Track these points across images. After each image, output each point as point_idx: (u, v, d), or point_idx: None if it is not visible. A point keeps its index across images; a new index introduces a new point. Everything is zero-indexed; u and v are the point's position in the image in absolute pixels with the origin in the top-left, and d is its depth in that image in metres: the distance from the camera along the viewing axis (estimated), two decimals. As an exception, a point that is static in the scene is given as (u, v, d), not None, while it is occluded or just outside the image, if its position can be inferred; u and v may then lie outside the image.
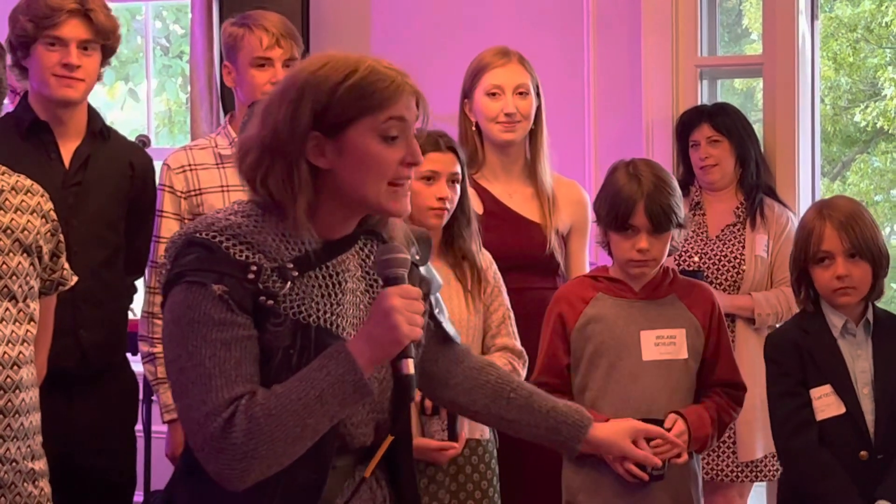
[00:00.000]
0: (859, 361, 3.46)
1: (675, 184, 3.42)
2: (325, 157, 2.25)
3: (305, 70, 2.26)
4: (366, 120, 2.24)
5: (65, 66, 3.62)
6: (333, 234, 2.30)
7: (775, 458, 4.57)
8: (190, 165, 3.80)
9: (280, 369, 2.19)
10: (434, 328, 2.53)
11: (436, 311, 2.52)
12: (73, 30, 3.64)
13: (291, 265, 2.23)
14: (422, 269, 2.48)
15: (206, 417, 2.14)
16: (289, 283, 2.22)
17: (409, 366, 2.18)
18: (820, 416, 3.43)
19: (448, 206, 3.45)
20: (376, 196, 2.26)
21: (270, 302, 2.20)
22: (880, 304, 3.58)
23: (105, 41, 3.71)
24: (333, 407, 2.15)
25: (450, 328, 2.58)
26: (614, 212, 3.34)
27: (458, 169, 3.47)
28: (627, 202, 3.32)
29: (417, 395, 2.47)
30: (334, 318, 2.27)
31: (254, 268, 2.20)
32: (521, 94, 3.86)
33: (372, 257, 2.36)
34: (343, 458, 2.33)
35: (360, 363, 2.15)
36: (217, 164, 3.81)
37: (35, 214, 3.05)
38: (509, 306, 3.55)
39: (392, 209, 2.29)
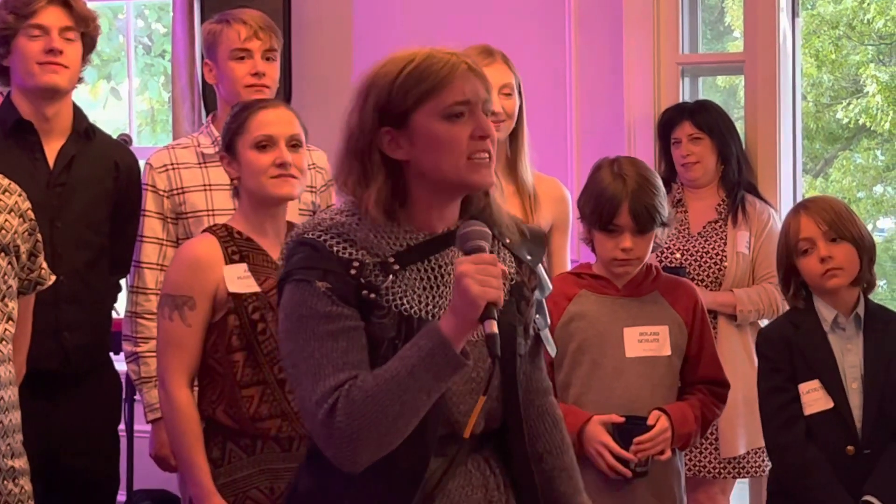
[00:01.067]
0: (849, 356, 3.48)
1: (660, 183, 3.42)
2: (401, 149, 2.33)
3: (370, 71, 2.36)
4: (427, 105, 2.31)
5: (49, 52, 3.64)
6: (436, 228, 2.37)
7: (757, 454, 4.58)
8: (172, 164, 3.80)
9: (386, 359, 2.26)
10: (535, 332, 2.52)
11: (536, 315, 2.51)
12: (54, 17, 3.66)
13: (392, 259, 2.32)
14: (534, 267, 2.50)
15: (315, 405, 2.23)
16: (390, 276, 2.31)
17: (492, 326, 2.17)
18: (808, 411, 3.45)
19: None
20: (456, 172, 2.32)
21: (373, 295, 2.29)
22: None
23: (85, 29, 3.73)
24: (426, 381, 2.19)
25: (547, 338, 2.56)
26: (599, 211, 3.35)
27: None
28: (612, 202, 3.33)
29: None
30: (437, 310, 2.33)
31: (356, 263, 2.29)
32: (506, 94, 3.86)
33: None
34: (452, 445, 2.36)
35: (448, 335, 2.18)
36: (199, 164, 3.81)
37: (13, 214, 3.04)
38: None
39: (474, 182, 2.33)
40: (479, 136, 2.31)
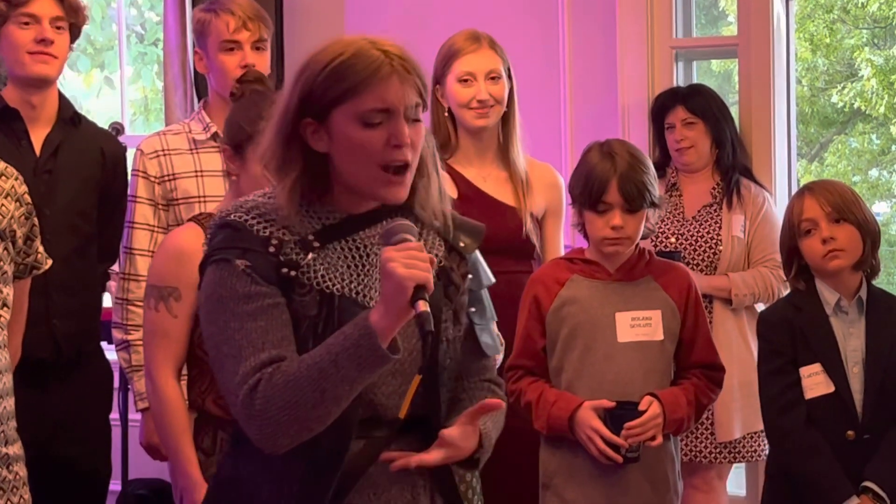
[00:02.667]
0: (851, 340, 3.47)
1: (649, 163, 3.42)
2: (322, 142, 2.31)
3: (309, 54, 2.32)
4: (346, 105, 2.28)
5: (40, 42, 3.64)
6: (356, 209, 2.35)
7: (753, 439, 4.58)
8: (164, 150, 3.79)
9: (306, 338, 2.26)
10: (468, 326, 2.48)
11: (472, 309, 2.48)
12: (45, 7, 3.67)
13: (312, 237, 2.31)
14: (469, 254, 2.49)
15: (236, 387, 2.22)
16: (311, 254, 2.29)
17: (422, 305, 2.16)
18: (809, 395, 3.44)
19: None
20: (368, 183, 2.30)
21: (293, 273, 2.28)
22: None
23: (74, 19, 3.72)
24: (350, 371, 2.17)
25: (485, 338, 2.53)
26: (588, 189, 3.35)
27: None
28: (601, 179, 3.33)
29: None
30: (361, 287, 2.32)
31: (275, 241, 2.28)
32: (493, 79, 3.84)
33: None
34: (378, 430, 2.34)
35: (376, 326, 2.16)
36: (191, 150, 3.80)
37: (9, 198, 3.03)
38: None
39: (384, 197, 2.31)
40: (394, 145, 2.27)
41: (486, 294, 2.53)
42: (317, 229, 2.32)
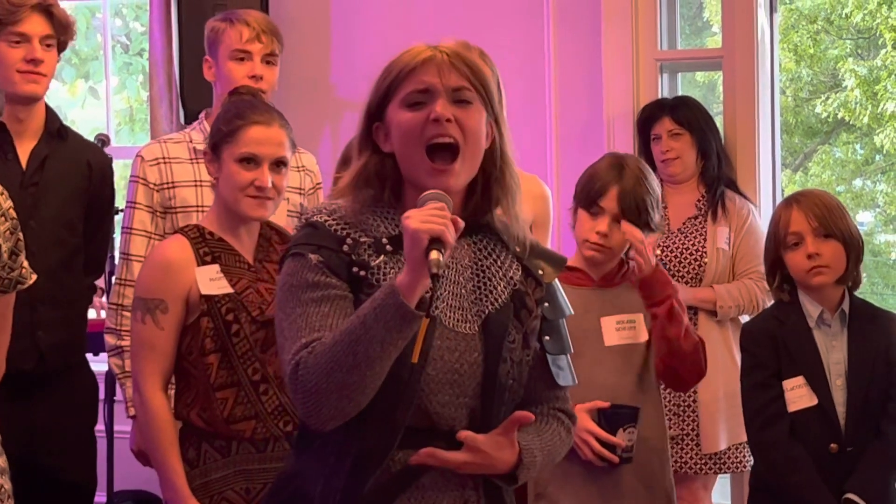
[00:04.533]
0: (833, 353, 3.48)
1: (657, 186, 3.45)
2: (387, 141, 2.40)
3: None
4: (395, 97, 2.37)
5: (30, 62, 3.63)
6: None
7: (739, 450, 4.59)
8: (164, 158, 3.79)
9: None
10: (540, 354, 2.50)
11: (546, 338, 2.50)
12: (36, 25, 3.66)
13: (386, 241, 2.36)
14: (547, 284, 2.50)
15: (287, 364, 2.28)
16: (381, 256, 2.35)
17: (433, 254, 2.18)
18: (791, 408, 3.45)
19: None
20: (418, 171, 2.35)
21: (363, 272, 2.34)
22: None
23: (63, 36, 3.73)
24: (377, 331, 2.19)
25: (557, 367, 2.53)
26: (588, 189, 3.39)
27: None
28: (603, 183, 3.38)
29: None
30: (428, 295, 2.30)
31: (349, 241, 2.35)
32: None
33: (486, 252, 2.44)
34: (434, 441, 2.35)
35: (399, 284, 2.19)
36: (191, 159, 3.80)
37: (-6, 213, 3.02)
38: None
39: (431, 184, 2.32)
40: (433, 119, 2.32)
41: (564, 325, 2.55)
42: (393, 234, 2.36)
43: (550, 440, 2.50)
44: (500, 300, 2.41)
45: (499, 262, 2.44)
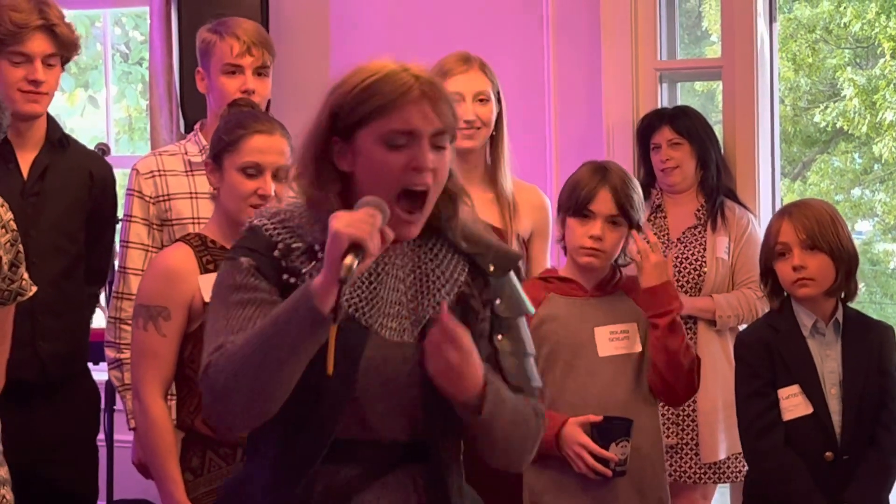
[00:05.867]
0: (828, 362, 3.48)
1: (639, 187, 3.47)
2: (347, 161, 2.31)
3: (343, 74, 2.34)
4: (373, 125, 2.28)
5: (31, 83, 3.61)
6: None
7: (738, 460, 4.58)
8: (159, 171, 3.78)
9: None
10: (492, 354, 2.41)
11: (499, 336, 2.42)
12: (39, 45, 3.64)
13: (318, 247, 2.28)
14: (496, 281, 2.43)
15: (202, 366, 2.23)
16: (313, 262, 2.28)
17: (347, 259, 2.11)
18: (787, 417, 3.45)
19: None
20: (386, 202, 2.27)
21: (293, 280, 2.28)
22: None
23: (67, 53, 3.71)
24: (289, 332, 2.14)
25: (510, 366, 2.42)
26: (576, 196, 3.39)
27: None
28: (591, 187, 3.38)
29: None
30: (361, 304, 2.30)
31: (281, 246, 2.30)
32: (481, 101, 3.85)
33: (431, 255, 2.39)
34: (373, 451, 2.32)
35: (314, 287, 2.13)
36: (186, 171, 3.79)
37: (-6, 225, 3.03)
38: None
39: (396, 233, 2.26)
40: (414, 167, 2.26)
41: (522, 324, 2.47)
42: (325, 240, 2.27)
43: (516, 399, 2.37)
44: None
45: (443, 265, 2.38)
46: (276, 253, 2.30)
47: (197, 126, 3.94)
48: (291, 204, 2.37)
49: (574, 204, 3.39)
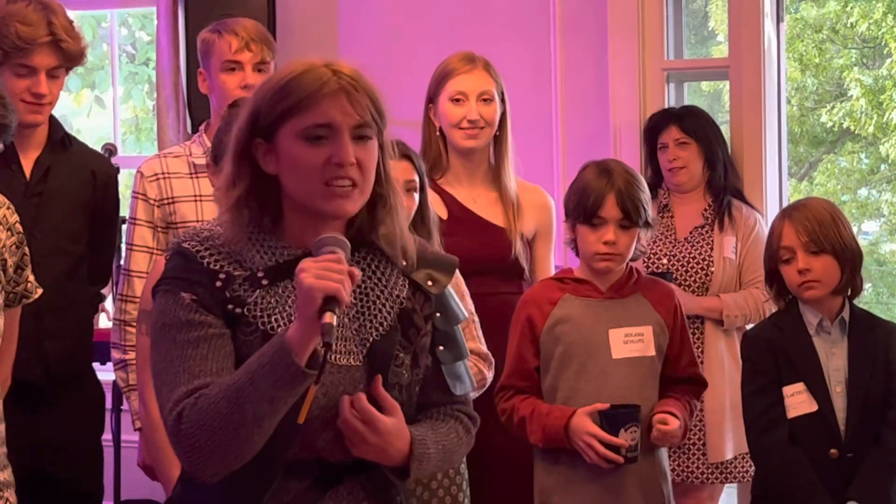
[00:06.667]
0: (833, 359, 3.48)
1: (644, 183, 3.47)
2: (272, 163, 2.27)
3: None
4: (291, 122, 2.23)
5: (33, 95, 3.61)
6: (309, 243, 2.25)
7: (745, 460, 4.58)
8: (163, 173, 3.77)
9: None
10: (433, 366, 2.41)
11: (440, 348, 2.41)
12: (44, 59, 3.63)
13: (262, 274, 2.24)
14: (437, 293, 2.40)
15: (168, 413, 2.17)
16: (258, 291, 2.23)
17: (328, 317, 2.08)
18: (791, 414, 3.45)
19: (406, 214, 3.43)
20: (312, 197, 2.24)
21: (238, 310, 2.22)
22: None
23: (71, 65, 3.70)
24: (266, 389, 2.10)
25: (454, 377, 2.43)
26: (584, 203, 3.38)
27: (415, 177, 3.43)
28: (597, 194, 3.36)
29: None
30: (318, 351, 2.19)
31: (222, 276, 2.23)
32: (485, 100, 3.85)
33: (370, 272, 2.34)
34: (324, 470, 2.29)
35: (290, 341, 2.10)
36: (190, 174, 3.78)
37: (0, 227, 3.02)
38: (473, 310, 3.54)
39: (328, 209, 2.25)
40: (336, 163, 2.21)
41: (458, 332, 2.45)
42: (268, 265, 2.25)
43: (446, 436, 2.39)
44: (384, 324, 2.31)
45: (383, 282, 2.34)
46: (217, 283, 2.23)
47: (202, 128, 3.94)
48: (222, 223, 2.29)
49: (583, 212, 3.38)
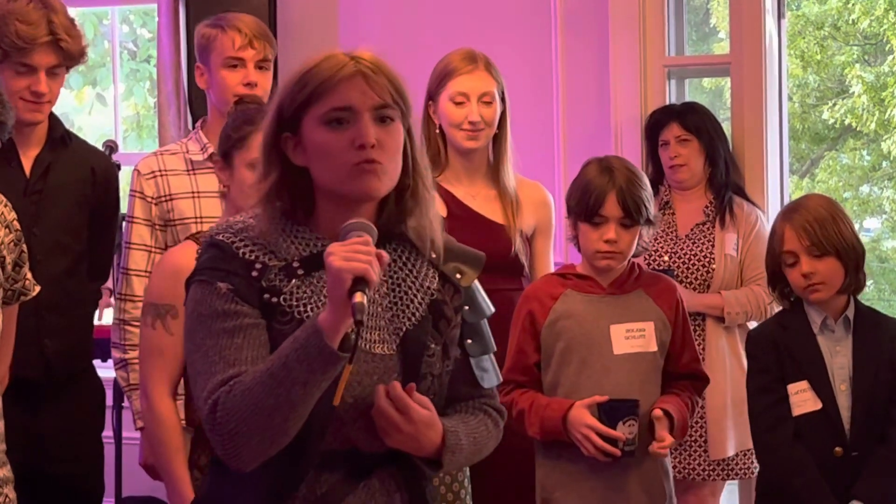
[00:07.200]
0: (838, 357, 3.48)
1: (646, 180, 3.46)
2: (300, 155, 2.29)
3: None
4: (312, 110, 2.26)
5: (33, 94, 3.60)
6: None
7: (746, 456, 4.58)
8: (160, 171, 3.77)
9: None
10: (462, 359, 2.43)
11: (469, 341, 2.43)
12: (44, 58, 3.61)
13: (297, 264, 2.27)
14: (465, 286, 2.43)
15: (203, 402, 2.19)
16: (293, 280, 2.25)
17: (358, 296, 2.10)
18: (796, 412, 3.45)
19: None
20: (340, 181, 2.26)
21: (274, 299, 2.24)
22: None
23: (71, 63, 3.70)
24: (300, 373, 2.12)
25: (481, 370, 2.46)
26: (585, 202, 3.37)
27: None
28: (599, 192, 3.36)
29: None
30: (350, 334, 2.22)
31: (259, 266, 2.25)
32: (486, 102, 3.84)
33: (401, 263, 2.37)
34: (357, 461, 2.31)
35: (323, 324, 2.12)
36: (188, 171, 3.78)
37: (-2, 224, 3.03)
38: None
39: (356, 189, 2.26)
40: (359, 145, 2.23)
41: (485, 325, 2.48)
42: (303, 255, 2.28)
43: (476, 429, 2.41)
44: (417, 314, 2.34)
45: (414, 273, 2.37)
46: (253, 273, 2.25)
47: (198, 124, 3.93)
48: (255, 216, 2.32)
49: (585, 210, 3.38)
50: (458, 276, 2.42)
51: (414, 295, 2.35)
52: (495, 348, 2.50)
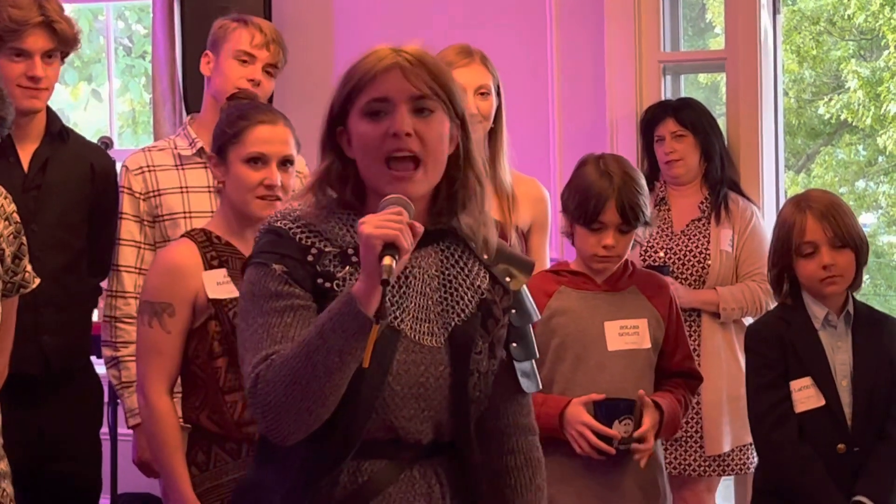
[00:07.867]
0: (839, 353, 3.48)
1: (643, 181, 3.45)
2: (349, 147, 2.34)
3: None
4: (356, 103, 2.31)
5: (30, 79, 3.60)
6: None
7: (742, 452, 4.59)
8: (148, 166, 3.78)
9: None
10: (506, 361, 2.47)
11: (514, 345, 2.47)
12: (38, 41, 3.62)
13: (352, 251, 2.30)
14: (515, 290, 2.45)
15: (247, 377, 2.24)
16: (347, 267, 2.29)
17: (386, 259, 2.14)
18: (799, 409, 3.45)
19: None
20: (377, 179, 2.30)
21: (328, 284, 2.28)
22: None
23: (66, 48, 3.70)
24: (335, 340, 2.15)
25: (524, 374, 2.50)
26: (584, 207, 3.37)
27: None
28: (598, 199, 3.35)
29: None
30: (393, 308, 2.30)
31: (314, 251, 2.30)
32: (481, 94, 3.85)
33: (453, 260, 2.40)
34: (398, 451, 2.34)
35: (357, 292, 2.15)
36: (176, 166, 3.79)
37: (-2, 217, 3.03)
38: None
39: (390, 193, 2.28)
40: (392, 134, 2.27)
41: (530, 330, 2.51)
42: (358, 244, 2.26)
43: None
44: (466, 311, 2.37)
45: (465, 271, 2.40)
46: (308, 258, 2.29)
47: (186, 120, 3.95)
48: (312, 205, 2.37)
49: (584, 216, 3.38)
50: (507, 279, 2.44)
51: (465, 292, 2.39)
52: (537, 354, 2.53)
